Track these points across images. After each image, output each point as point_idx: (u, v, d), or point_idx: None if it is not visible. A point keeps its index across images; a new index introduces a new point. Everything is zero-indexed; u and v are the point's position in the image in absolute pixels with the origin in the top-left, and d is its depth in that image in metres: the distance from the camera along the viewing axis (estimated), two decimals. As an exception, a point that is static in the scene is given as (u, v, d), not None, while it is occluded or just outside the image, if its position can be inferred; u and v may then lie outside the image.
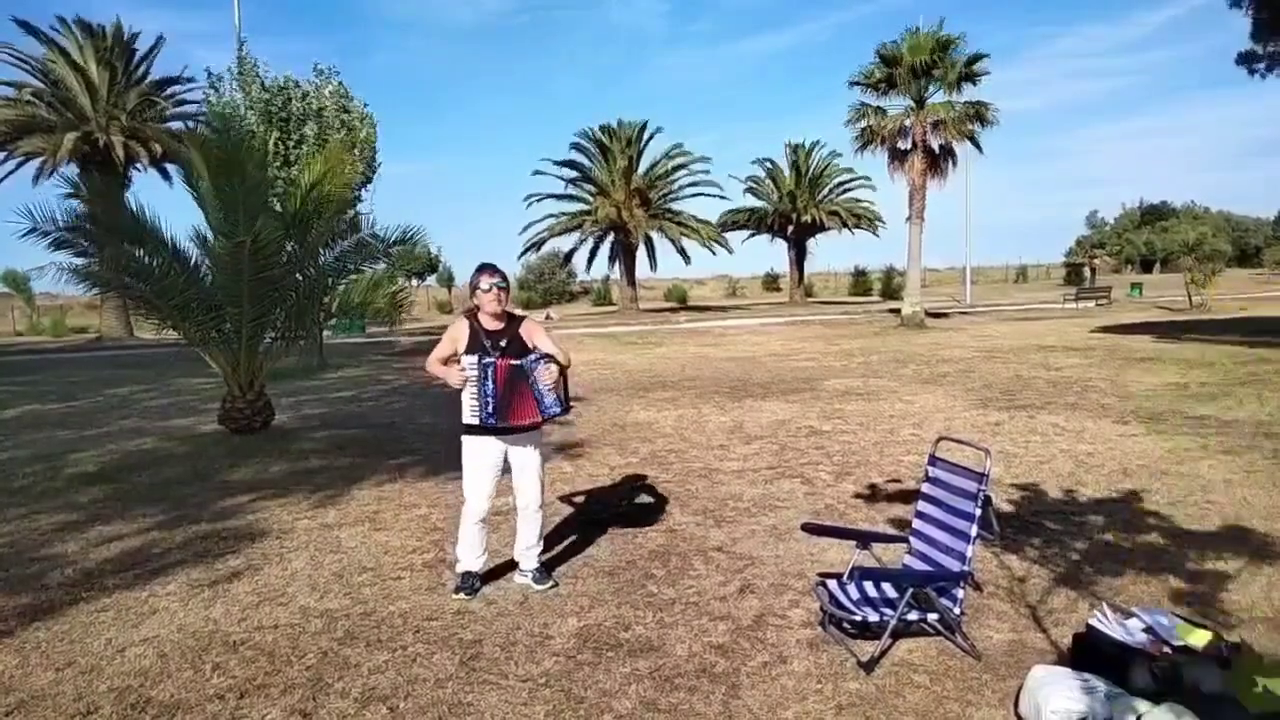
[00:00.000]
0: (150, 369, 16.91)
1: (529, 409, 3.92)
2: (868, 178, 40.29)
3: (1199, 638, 2.90)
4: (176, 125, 26.64)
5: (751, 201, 41.21)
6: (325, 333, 15.68)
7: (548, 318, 34.05)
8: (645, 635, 3.60)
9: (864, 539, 3.80)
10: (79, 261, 8.13)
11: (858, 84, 22.27)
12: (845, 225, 39.27)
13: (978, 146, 22.20)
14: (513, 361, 3.89)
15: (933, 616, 3.39)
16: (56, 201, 7.92)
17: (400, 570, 4.50)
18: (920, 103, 21.60)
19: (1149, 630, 3.01)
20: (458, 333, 4.06)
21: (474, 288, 4.03)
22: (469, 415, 3.98)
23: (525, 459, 4.11)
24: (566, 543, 4.89)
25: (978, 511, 3.38)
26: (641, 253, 36.60)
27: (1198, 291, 26.99)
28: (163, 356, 18.97)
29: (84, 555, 4.90)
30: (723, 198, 39.21)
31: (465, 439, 4.08)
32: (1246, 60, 18.51)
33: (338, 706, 3.06)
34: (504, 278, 4.05)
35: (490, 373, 3.87)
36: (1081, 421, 8.04)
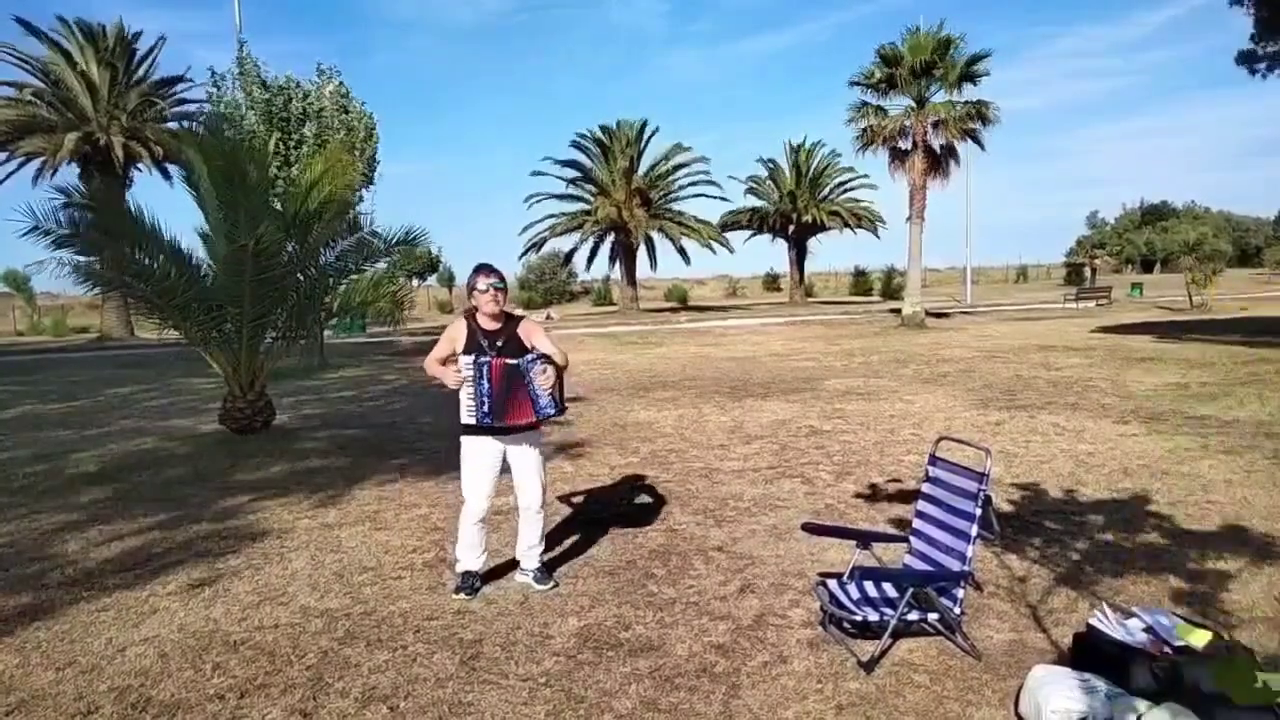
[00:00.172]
0: (151, 369, 16.92)
1: (525, 409, 3.92)
2: (867, 176, 40.36)
3: (1199, 638, 2.89)
4: (177, 125, 26.65)
5: (752, 201, 41.24)
6: (326, 333, 15.69)
7: (548, 317, 34.06)
8: (645, 635, 3.60)
9: (864, 539, 3.79)
10: (81, 259, 8.13)
11: (858, 84, 22.25)
12: (846, 225, 39.24)
13: (979, 144, 22.20)
14: (508, 361, 3.89)
15: (933, 616, 3.39)
16: (52, 202, 7.92)
17: (401, 570, 4.50)
18: (921, 103, 21.58)
19: (1149, 630, 3.00)
20: (456, 333, 4.06)
21: (471, 288, 4.03)
22: (466, 415, 3.98)
23: (525, 459, 4.11)
24: (567, 542, 4.89)
25: (978, 511, 3.38)
26: (642, 253, 36.63)
27: (1198, 291, 26.98)
28: (163, 356, 18.97)
29: (84, 555, 4.91)
30: (723, 199, 39.26)
31: (463, 439, 4.08)
32: (1247, 60, 18.51)
33: (338, 706, 3.06)
34: (501, 278, 4.05)
35: (485, 372, 3.87)
36: (1082, 421, 8.03)
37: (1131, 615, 3.14)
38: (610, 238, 36.30)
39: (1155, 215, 79.25)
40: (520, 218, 71.84)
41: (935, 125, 21.51)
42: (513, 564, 4.35)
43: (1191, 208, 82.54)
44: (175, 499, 6.18)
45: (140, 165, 27.45)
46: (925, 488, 3.80)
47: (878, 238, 44.47)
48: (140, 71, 27.96)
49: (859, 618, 3.34)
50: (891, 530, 4.81)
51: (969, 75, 21.21)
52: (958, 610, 3.38)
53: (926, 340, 18.05)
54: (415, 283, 42.61)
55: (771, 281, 60.24)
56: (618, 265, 37.22)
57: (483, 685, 3.19)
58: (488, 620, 3.80)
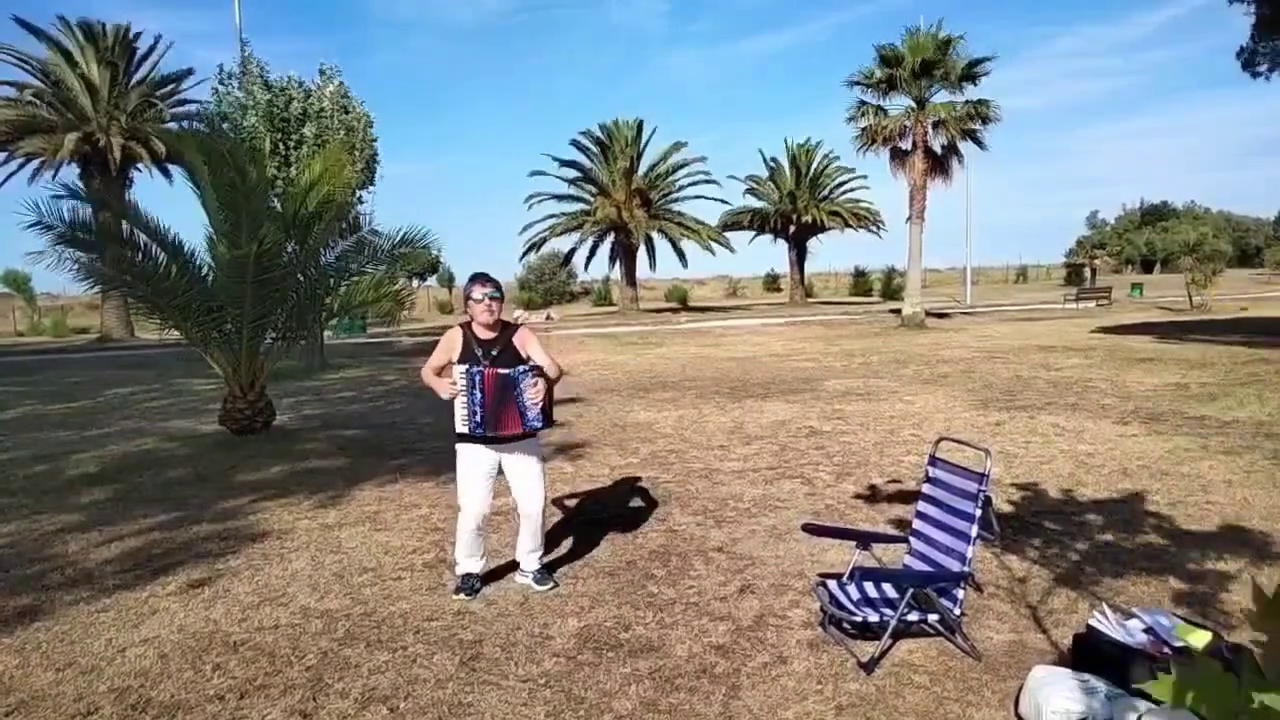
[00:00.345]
0: (151, 369, 16.92)
1: (514, 420, 3.92)
2: (867, 177, 40.40)
3: (1199, 638, 2.89)
4: (178, 125, 26.65)
5: (752, 202, 41.24)
6: (326, 333, 15.71)
7: (548, 318, 34.05)
8: (645, 636, 3.60)
9: (864, 539, 3.79)
10: (82, 256, 8.14)
11: (858, 84, 22.24)
12: (846, 225, 39.25)
13: (980, 144, 22.18)
14: (499, 371, 3.89)
15: (933, 617, 3.39)
16: (55, 196, 7.93)
17: (401, 571, 4.50)
18: (921, 103, 21.58)
19: (1149, 631, 3.00)
20: (452, 342, 4.06)
21: (467, 297, 4.03)
22: (460, 424, 3.99)
23: (523, 467, 4.10)
24: (567, 543, 4.89)
25: (978, 512, 3.38)
26: (641, 253, 36.63)
27: (1198, 292, 26.97)
28: (164, 357, 18.98)
29: (84, 555, 4.91)
30: (723, 201, 39.30)
31: (458, 447, 4.08)
32: (1248, 63, 18.52)
33: (338, 707, 3.06)
34: (498, 287, 4.04)
35: (478, 381, 3.87)
36: (1082, 422, 8.03)
37: (1131, 616, 3.14)
38: (610, 238, 36.30)
39: (1155, 215, 79.26)
40: (520, 218, 71.80)
41: (935, 125, 21.51)
42: (512, 565, 4.35)
43: (1191, 208, 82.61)
44: (175, 500, 6.18)
45: (140, 165, 27.46)
46: (925, 488, 3.80)
47: (880, 237, 44.48)
48: (141, 71, 28.00)
49: (859, 618, 3.34)
50: (891, 531, 4.81)
51: (969, 75, 21.21)
52: (958, 611, 3.38)
53: (926, 340, 18.05)
54: (415, 283, 42.64)
55: (771, 282, 60.25)
56: (617, 265, 37.23)
57: (483, 686, 3.19)
58: (488, 621, 3.80)
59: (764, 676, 3.21)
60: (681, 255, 36.88)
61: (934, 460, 3.79)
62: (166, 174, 27.96)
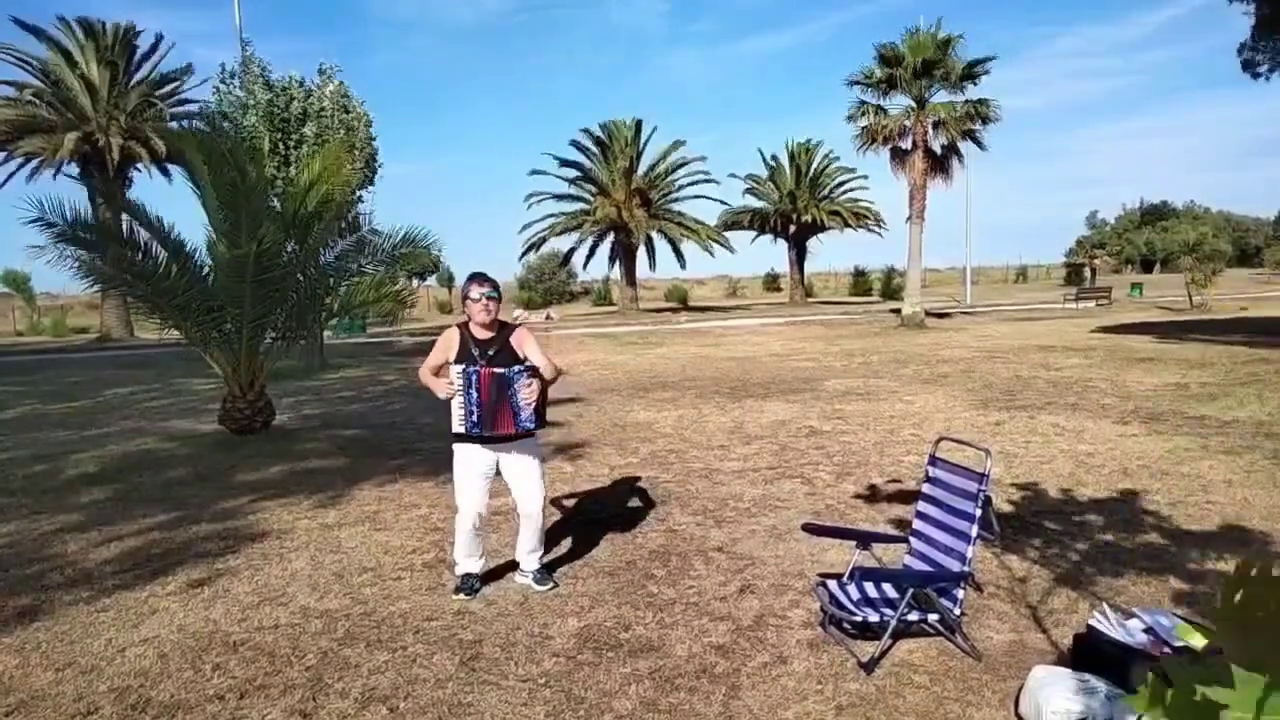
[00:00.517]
0: (151, 369, 16.92)
1: (508, 420, 3.92)
2: (867, 177, 40.40)
3: (1199, 638, 2.89)
4: (179, 125, 26.65)
5: (752, 202, 41.24)
6: (326, 333, 15.70)
7: (548, 318, 34.05)
8: (645, 635, 3.60)
9: (864, 539, 3.79)
10: (82, 253, 8.14)
11: (858, 83, 22.24)
12: (846, 225, 39.25)
13: (979, 144, 22.19)
14: (495, 370, 3.89)
15: (933, 617, 3.39)
16: (49, 194, 7.94)
17: (400, 570, 4.50)
18: (921, 103, 21.58)
19: (1149, 631, 3.00)
20: (449, 341, 4.07)
21: (465, 296, 4.03)
22: (456, 424, 3.99)
23: (521, 467, 4.10)
24: (567, 543, 4.89)
25: (978, 512, 3.38)
26: (641, 253, 36.62)
27: (1198, 291, 26.98)
28: (163, 357, 18.97)
29: (84, 555, 4.91)
30: (722, 201, 39.27)
31: (455, 447, 4.08)
32: (1248, 63, 18.52)
33: (338, 707, 3.06)
34: (495, 287, 4.04)
35: (474, 381, 3.87)
36: (1082, 422, 8.03)
37: (1131, 616, 3.14)
38: (610, 238, 36.30)
39: (1155, 215, 79.26)
40: (520, 217, 71.82)
41: (935, 126, 21.51)
42: (512, 564, 4.35)
43: (1191, 208, 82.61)
44: (175, 499, 6.18)
45: (139, 165, 27.46)
46: (925, 488, 3.80)
47: (880, 237, 44.49)
48: (141, 70, 28.00)
49: (859, 618, 3.34)
50: (891, 531, 4.81)
51: (969, 75, 21.21)
52: (958, 611, 3.38)
53: (926, 340, 18.04)
54: (415, 283, 42.64)
55: (771, 281, 60.24)
56: (617, 265, 37.22)
57: (482, 686, 3.19)
58: (487, 621, 3.80)
59: (764, 676, 3.21)
60: (680, 256, 36.93)
61: (934, 460, 3.79)
62: (166, 174, 27.98)
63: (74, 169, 26.83)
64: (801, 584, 4.11)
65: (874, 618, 3.32)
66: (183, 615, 3.96)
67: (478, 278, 4.03)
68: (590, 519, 5.40)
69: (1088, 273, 51.70)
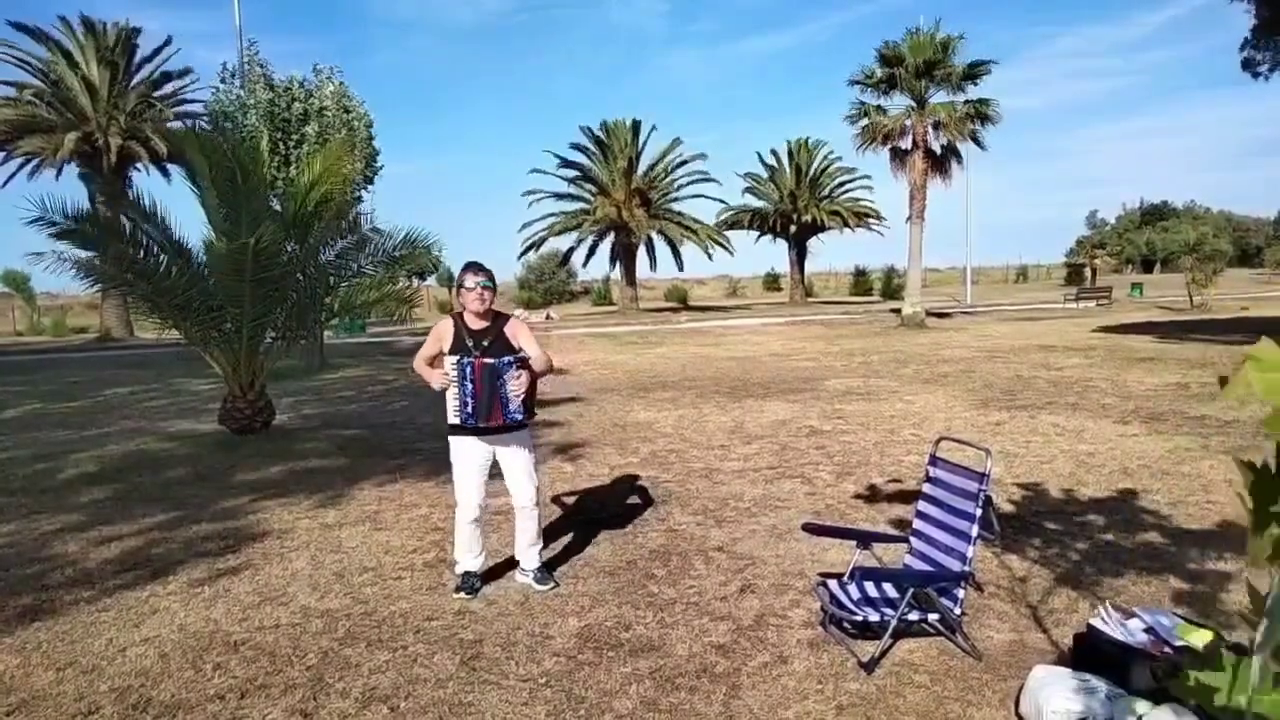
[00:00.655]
0: (151, 369, 16.92)
1: (498, 411, 3.93)
2: (869, 177, 40.37)
3: (1199, 638, 2.89)
4: (178, 124, 26.65)
5: (752, 201, 41.24)
6: (326, 333, 15.70)
7: (548, 317, 34.04)
8: (646, 635, 3.60)
9: (864, 539, 3.79)
10: (82, 254, 8.15)
11: (858, 83, 22.25)
12: (846, 225, 39.26)
13: (979, 144, 22.20)
14: (486, 361, 3.89)
15: (933, 617, 3.39)
16: (49, 193, 7.96)
17: (401, 570, 4.50)
18: (921, 103, 21.58)
19: (1150, 630, 3.00)
20: (443, 331, 4.07)
21: (459, 285, 4.03)
22: (452, 415, 3.99)
23: (513, 458, 4.11)
24: (567, 542, 4.89)
25: (978, 511, 3.38)
26: (641, 252, 36.63)
27: (1199, 291, 26.98)
28: (163, 356, 18.98)
29: (84, 555, 4.91)
30: (722, 201, 39.26)
31: (451, 439, 4.08)
32: (1249, 63, 18.52)
33: (338, 706, 3.06)
34: (490, 277, 4.04)
35: (468, 372, 3.88)
36: (1082, 421, 8.03)
37: (1132, 615, 3.14)
38: (610, 237, 36.30)
39: (1155, 215, 79.25)
40: (520, 217, 71.75)
41: (935, 126, 21.51)
42: (513, 564, 4.35)
43: (1191, 208, 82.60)
44: (175, 499, 6.18)
45: (139, 165, 27.45)
46: (926, 488, 3.80)
47: (881, 236, 44.49)
48: (141, 71, 28.00)
49: (859, 618, 3.34)
50: (892, 530, 4.81)
51: (970, 76, 21.21)
52: (958, 610, 3.38)
53: (927, 340, 18.04)
54: (415, 282, 42.62)
55: (772, 281, 60.25)
56: (618, 265, 37.22)
57: (483, 685, 3.19)
58: (488, 620, 3.80)
59: (764, 676, 3.21)
60: (679, 258, 36.92)
61: (934, 460, 3.79)
62: (165, 174, 27.98)
63: (74, 169, 26.86)
64: (802, 584, 4.11)
65: (874, 617, 3.32)
66: (183, 615, 3.96)
67: (472, 267, 4.03)
68: (590, 519, 5.40)
69: (1088, 273, 51.70)
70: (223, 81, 16.57)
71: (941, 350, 15.59)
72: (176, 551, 4.93)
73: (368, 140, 17.68)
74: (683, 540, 4.88)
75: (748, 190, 41.39)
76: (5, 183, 27.05)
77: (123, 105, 26.75)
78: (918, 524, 3.79)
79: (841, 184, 40.51)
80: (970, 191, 37.62)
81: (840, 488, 5.98)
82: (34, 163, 26.47)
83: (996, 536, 4.23)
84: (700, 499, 5.77)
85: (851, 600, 3.43)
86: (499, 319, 4.10)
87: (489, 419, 3.93)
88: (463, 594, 4.07)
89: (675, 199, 37.01)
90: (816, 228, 39.50)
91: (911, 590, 3.30)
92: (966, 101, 21.26)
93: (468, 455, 4.04)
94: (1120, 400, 9.18)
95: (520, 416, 3.97)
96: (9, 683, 3.31)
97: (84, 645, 3.64)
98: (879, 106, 22.05)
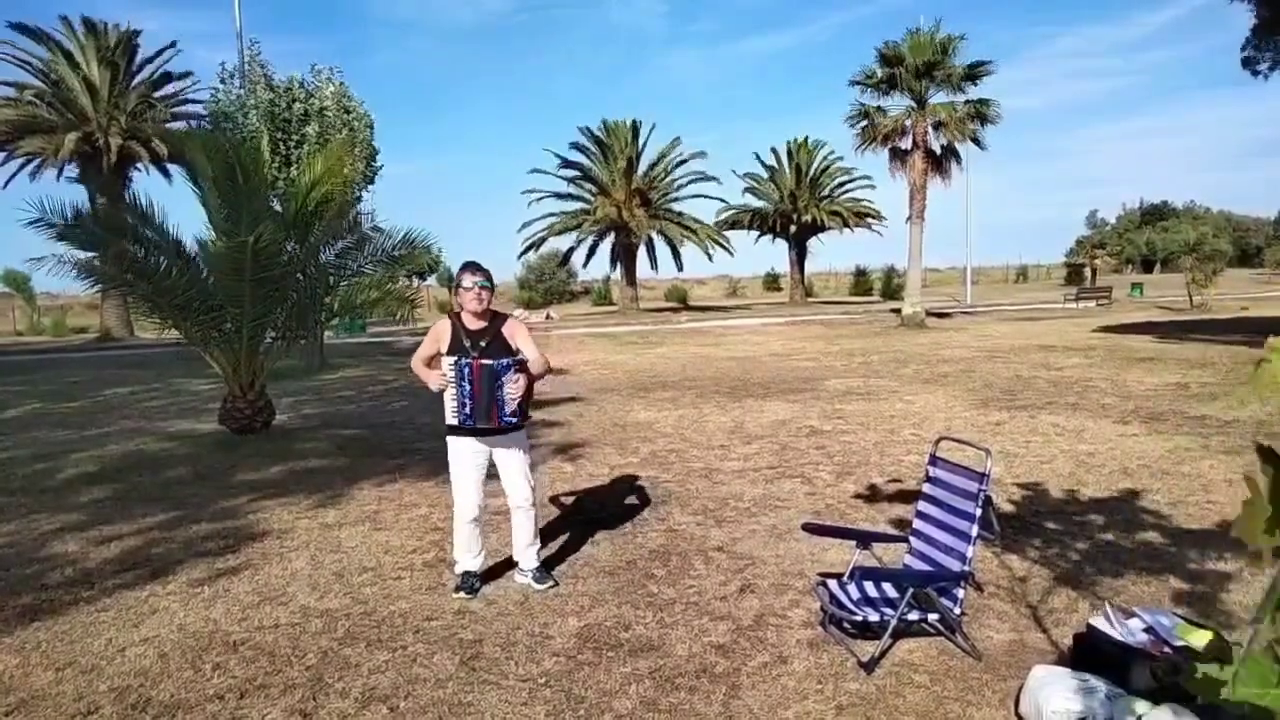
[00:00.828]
0: (151, 369, 16.92)
1: (495, 412, 3.93)
2: (869, 177, 40.36)
3: (1199, 638, 2.88)
4: (179, 125, 26.67)
5: (752, 201, 41.23)
6: (326, 333, 15.70)
7: (548, 317, 34.04)
8: (646, 635, 3.60)
9: (864, 539, 3.79)
10: (82, 256, 8.15)
11: (858, 83, 22.24)
12: (846, 225, 39.26)
13: (979, 145, 22.19)
14: (483, 362, 3.89)
15: (933, 616, 3.38)
16: (46, 193, 7.97)
17: (400, 570, 4.50)
18: (921, 103, 21.58)
19: (1149, 630, 3.00)
20: (440, 332, 4.06)
21: (457, 285, 4.03)
22: (450, 416, 3.99)
23: (509, 459, 4.11)
24: (567, 542, 4.89)
25: (978, 511, 3.38)
26: (641, 252, 36.62)
27: (1199, 291, 26.98)
28: (163, 356, 18.98)
29: (84, 555, 4.90)
30: (722, 201, 39.24)
31: (449, 440, 4.09)
32: (1249, 62, 18.51)
33: (338, 706, 3.06)
34: (487, 276, 4.04)
35: (466, 373, 3.88)
36: (1082, 421, 8.03)
37: (1132, 615, 3.14)
38: (610, 237, 36.30)
39: (1155, 215, 79.24)
40: (520, 216, 71.74)
41: (936, 126, 21.51)
42: (512, 564, 4.34)
43: (1191, 208, 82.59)
44: (175, 499, 6.18)
45: (139, 165, 27.46)
46: (926, 488, 3.80)
47: (881, 235, 44.52)
48: (142, 71, 28.00)
49: (859, 618, 3.33)
50: (891, 530, 4.81)
51: (971, 76, 21.21)
52: (958, 610, 3.37)
53: (927, 340, 18.04)
54: (415, 282, 42.62)
55: (772, 281, 60.25)
56: (618, 265, 37.21)
57: (483, 685, 3.19)
58: (487, 620, 3.80)
59: (764, 676, 3.21)
60: (678, 257, 36.91)
61: (934, 460, 3.79)
62: (165, 174, 27.99)
63: (74, 170, 26.85)
64: (802, 583, 4.11)
65: (874, 617, 3.31)
66: (183, 615, 3.96)
67: (470, 266, 4.03)
68: (590, 519, 5.40)
69: (1088, 273, 51.69)
70: (223, 82, 16.60)
71: (941, 350, 15.59)
72: (176, 551, 4.93)
73: (368, 140, 17.69)
74: (682, 540, 4.88)
75: (748, 190, 41.43)
76: (6, 183, 27.13)
77: (123, 105, 26.76)
78: (917, 524, 3.79)
79: (841, 184, 40.53)
80: (970, 191, 37.70)
81: (840, 488, 5.98)
82: (35, 163, 26.48)
83: (996, 536, 4.23)
84: (700, 499, 5.77)
85: (851, 600, 3.43)
86: (497, 319, 4.10)
87: (487, 420, 3.93)
88: (462, 594, 4.06)
89: (675, 199, 37.05)
90: (816, 228, 39.50)
91: (911, 590, 3.30)
92: (967, 102, 21.27)
93: (466, 456, 4.04)
94: (1120, 400, 9.18)
95: (515, 420, 3.97)
96: (8, 682, 3.30)
97: (83, 645, 3.64)
98: (879, 107, 22.06)
